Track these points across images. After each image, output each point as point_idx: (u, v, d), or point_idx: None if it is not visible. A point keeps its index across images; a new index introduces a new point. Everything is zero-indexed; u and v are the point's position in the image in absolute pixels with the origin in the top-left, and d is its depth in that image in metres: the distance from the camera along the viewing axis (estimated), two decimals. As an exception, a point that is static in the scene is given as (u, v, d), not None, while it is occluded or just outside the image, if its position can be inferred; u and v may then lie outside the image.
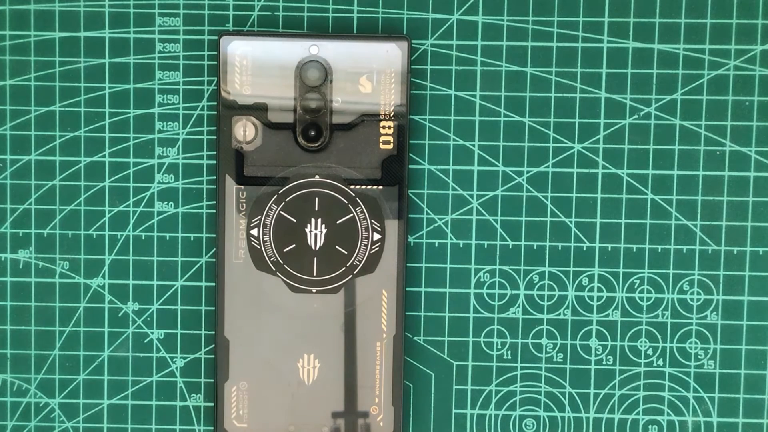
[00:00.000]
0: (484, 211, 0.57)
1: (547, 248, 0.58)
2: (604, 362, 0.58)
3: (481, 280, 0.58)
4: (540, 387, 0.58)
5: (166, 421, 0.58)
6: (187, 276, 0.58)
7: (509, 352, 0.58)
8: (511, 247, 0.58)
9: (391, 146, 0.55)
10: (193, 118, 0.57)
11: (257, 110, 0.55)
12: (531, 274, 0.58)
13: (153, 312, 0.58)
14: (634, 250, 0.57)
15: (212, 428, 0.58)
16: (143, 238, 0.58)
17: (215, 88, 0.56)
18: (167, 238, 0.58)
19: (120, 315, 0.58)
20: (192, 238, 0.58)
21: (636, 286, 0.58)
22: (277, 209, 0.56)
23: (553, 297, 0.58)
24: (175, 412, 0.59)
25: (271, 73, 0.55)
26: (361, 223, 0.56)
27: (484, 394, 0.58)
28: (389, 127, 0.55)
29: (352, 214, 0.56)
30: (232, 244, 0.56)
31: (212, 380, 0.58)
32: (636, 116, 0.57)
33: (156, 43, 0.57)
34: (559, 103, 0.57)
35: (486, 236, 0.58)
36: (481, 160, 0.57)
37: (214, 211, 0.57)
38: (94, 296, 0.58)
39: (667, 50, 0.57)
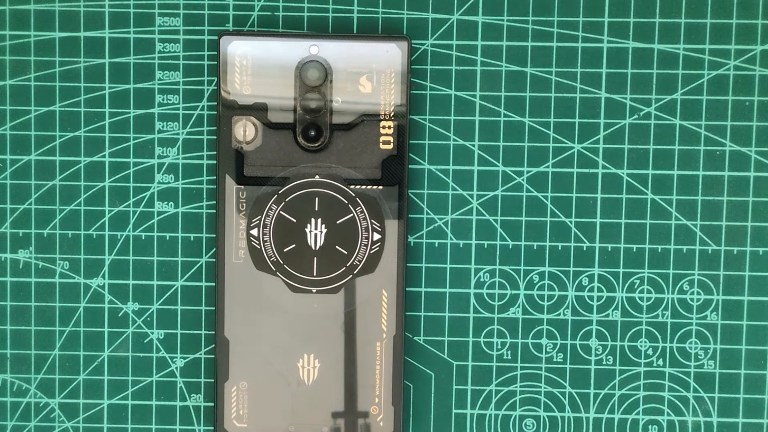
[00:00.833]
0: (484, 211, 0.57)
1: (547, 248, 0.58)
2: (604, 362, 0.58)
3: (481, 280, 0.58)
4: (540, 387, 0.58)
5: (166, 421, 0.59)
6: (187, 276, 0.58)
7: (509, 352, 0.58)
8: (511, 247, 0.58)
9: (391, 146, 0.55)
10: (193, 118, 0.57)
11: (257, 110, 0.55)
12: (531, 274, 0.58)
13: (153, 312, 0.58)
14: (634, 250, 0.58)
15: (212, 428, 0.58)
16: (143, 238, 0.58)
17: (215, 88, 0.57)
18: (167, 238, 0.58)
19: (120, 315, 0.58)
20: (192, 238, 0.58)
21: (636, 286, 0.58)
22: (277, 209, 0.56)
23: (553, 297, 0.58)
24: (175, 412, 0.59)
25: (271, 73, 0.55)
26: (361, 223, 0.56)
27: (484, 394, 0.58)
28: (389, 127, 0.55)
29: (352, 214, 0.56)
30: (232, 244, 0.56)
31: (212, 380, 0.58)
32: (636, 116, 0.57)
33: (156, 43, 0.57)
34: (559, 103, 0.57)
35: (486, 236, 0.58)
36: (481, 160, 0.57)
37: (214, 211, 0.57)
38: (94, 296, 0.58)
39: (667, 50, 0.57)
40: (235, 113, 0.55)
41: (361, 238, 0.56)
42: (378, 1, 0.57)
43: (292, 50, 0.55)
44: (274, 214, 0.56)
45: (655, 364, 0.58)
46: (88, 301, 0.58)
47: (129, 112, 0.57)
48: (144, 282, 0.58)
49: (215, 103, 0.57)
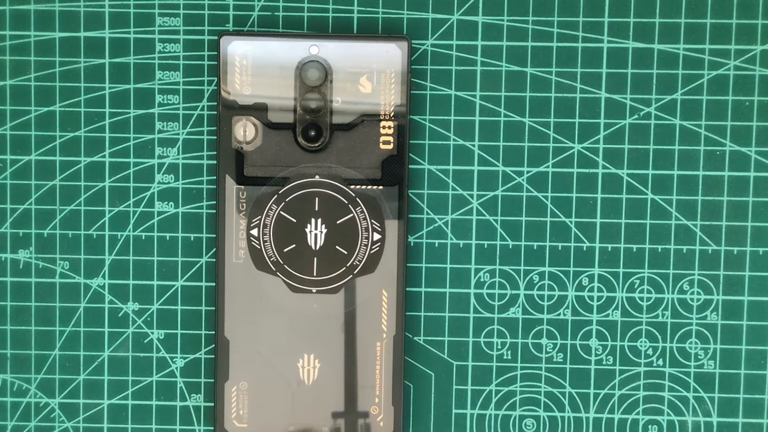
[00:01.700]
0: (484, 211, 0.57)
1: (547, 248, 0.58)
2: (604, 362, 0.58)
3: (481, 280, 0.58)
4: (540, 387, 0.58)
5: (166, 421, 0.59)
6: (187, 276, 0.58)
7: (509, 352, 0.58)
8: (511, 247, 0.58)
9: (391, 146, 0.55)
10: (193, 118, 0.57)
11: (257, 110, 0.55)
12: (531, 274, 0.58)
13: (153, 312, 0.58)
14: (634, 250, 0.58)
15: (212, 428, 0.58)
16: (143, 238, 0.58)
17: (215, 88, 0.57)
18: (167, 238, 0.58)
19: (120, 315, 0.58)
20: (192, 238, 0.58)
21: (636, 286, 0.58)
22: (277, 209, 0.56)
23: (553, 297, 0.58)
24: (175, 412, 0.59)
25: (271, 73, 0.55)
26: (361, 223, 0.56)
27: (484, 394, 0.58)
28: (389, 127, 0.55)
29: (352, 214, 0.56)
30: (232, 244, 0.56)
31: (212, 380, 0.58)
32: (636, 116, 0.57)
33: (156, 43, 0.57)
34: (559, 103, 0.57)
35: (486, 236, 0.58)
36: (481, 160, 0.57)
37: (214, 211, 0.57)
38: (94, 296, 0.58)
39: (667, 50, 0.57)
40: (235, 113, 0.55)
41: (361, 238, 0.56)
42: (378, 1, 0.57)
43: (292, 50, 0.55)
44: (274, 214, 0.56)
45: (655, 364, 0.58)
46: (88, 301, 0.58)
47: (129, 112, 0.57)
48: (144, 282, 0.58)
49: (215, 103, 0.57)
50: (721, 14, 0.57)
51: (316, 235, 0.56)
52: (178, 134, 0.57)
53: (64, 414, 0.58)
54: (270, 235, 0.56)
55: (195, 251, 0.58)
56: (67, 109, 0.57)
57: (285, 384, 0.57)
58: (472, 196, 0.57)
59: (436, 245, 0.58)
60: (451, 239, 0.58)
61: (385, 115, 0.55)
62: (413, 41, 0.57)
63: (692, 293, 0.58)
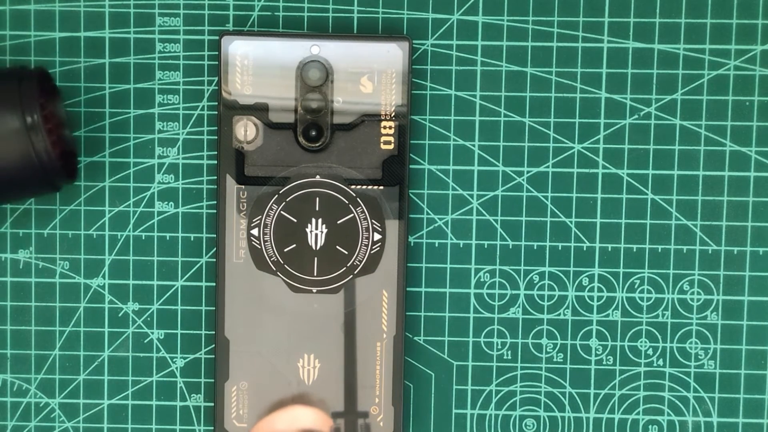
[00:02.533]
0: (484, 211, 0.57)
1: (547, 248, 0.58)
2: (604, 362, 0.58)
3: (481, 280, 0.58)
4: (540, 387, 0.58)
5: (166, 421, 0.59)
6: (187, 276, 0.58)
7: (509, 352, 0.58)
8: (511, 247, 0.58)
9: (391, 146, 0.55)
10: (193, 118, 0.57)
11: (258, 110, 0.55)
12: (531, 274, 0.58)
13: (153, 312, 0.58)
14: (634, 250, 0.58)
15: (212, 428, 0.58)
16: (143, 238, 0.58)
17: (216, 88, 0.57)
18: (167, 238, 0.58)
19: (120, 315, 0.58)
20: (192, 238, 0.58)
21: (636, 286, 0.58)
22: (277, 209, 0.56)
23: (553, 297, 0.58)
24: (175, 412, 0.59)
25: (272, 73, 0.55)
26: (361, 224, 0.56)
27: (484, 394, 0.58)
28: (390, 128, 0.55)
29: (352, 215, 0.56)
30: (232, 244, 0.56)
31: (212, 380, 0.58)
32: (636, 116, 0.57)
33: (156, 43, 0.57)
34: (559, 103, 0.57)
35: (486, 236, 0.58)
36: (481, 160, 0.57)
37: (215, 211, 0.57)
38: (94, 296, 0.58)
39: (667, 50, 0.57)
40: (236, 113, 0.55)
41: (362, 239, 0.56)
42: (378, 1, 0.57)
43: (293, 50, 0.55)
44: (274, 214, 0.56)
45: (655, 364, 0.58)
46: (88, 301, 0.58)
47: (129, 112, 0.57)
48: (144, 282, 0.58)
49: (215, 103, 0.57)
50: (721, 14, 0.57)
51: (316, 235, 0.56)
52: (178, 134, 0.57)
53: (64, 414, 0.58)
54: (270, 235, 0.56)
55: (195, 251, 0.58)
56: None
57: (285, 384, 0.57)
58: (472, 196, 0.57)
59: (436, 245, 0.58)
60: (451, 239, 0.58)
61: (385, 115, 0.55)
62: (413, 41, 0.57)
63: (692, 293, 0.58)
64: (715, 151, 0.57)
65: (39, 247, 0.58)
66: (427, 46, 0.57)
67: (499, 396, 0.58)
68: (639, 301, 0.58)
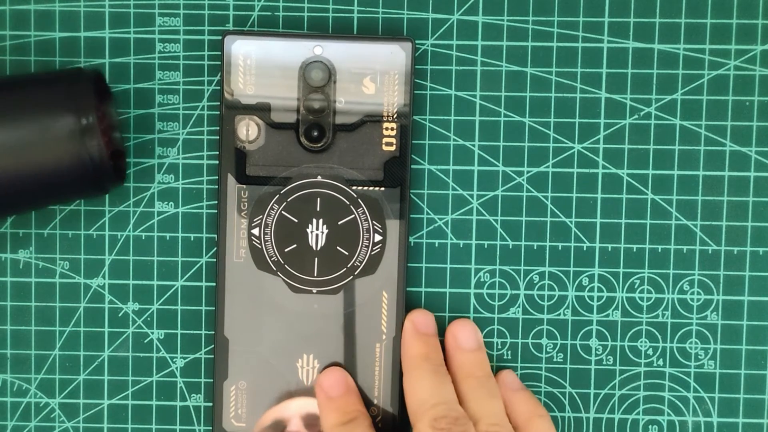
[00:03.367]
0: (484, 211, 0.57)
1: (547, 248, 0.58)
2: (604, 362, 0.58)
3: (481, 280, 0.58)
4: (540, 387, 0.58)
5: (166, 421, 0.58)
6: (187, 276, 0.58)
7: (509, 352, 0.58)
8: (511, 247, 0.58)
9: (393, 148, 0.55)
10: (193, 118, 0.57)
11: (260, 110, 0.55)
12: (531, 274, 0.58)
13: (153, 312, 0.58)
14: (634, 250, 0.58)
15: (210, 428, 0.58)
16: (143, 238, 0.58)
17: (216, 87, 0.57)
18: (167, 238, 0.58)
19: (120, 315, 0.58)
20: (192, 238, 0.58)
21: (636, 286, 0.58)
22: (278, 209, 0.56)
23: (553, 297, 0.58)
24: (175, 412, 0.59)
25: (274, 73, 0.55)
26: (362, 224, 0.56)
27: (484, 394, 0.58)
28: (392, 129, 0.55)
29: (353, 215, 0.56)
30: (233, 244, 0.56)
31: (212, 380, 0.58)
32: (636, 116, 0.57)
33: (156, 43, 0.57)
34: (559, 103, 0.57)
35: (486, 236, 0.58)
36: (481, 160, 0.57)
37: (215, 211, 0.57)
38: (94, 296, 0.58)
39: (667, 50, 0.57)
40: (238, 112, 0.55)
41: (362, 239, 0.56)
42: (378, 1, 0.57)
43: (296, 50, 0.55)
44: (275, 214, 0.56)
45: (655, 364, 0.58)
46: (88, 301, 0.58)
47: (129, 112, 0.57)
48: (144, 282, 0.58)
49: (216, 103, 0.57)
50: (721, 14, 0.57)
51: (317, 235, 0.56)
52: (178, 134, 0.57)
53: (64, 414, 0.58)
54: (271, 235, 0.56)
55: (195, 251, 0.58)
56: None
57: (284, 384, 0.57)
58: (472, 196, 0.57)
59: (436, 245, 0.58)
60: (451, 239, 0.58)
61: (387, 116, 0.55)
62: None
63: (692, 293, 0.58)
64: (715, 151, 0.57)
65: (39, 247, 0.58)
66: (427, 46, 0.57)
67: (499, 396, 0.58)
68: (639, 301, 0.58)
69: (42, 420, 0.58)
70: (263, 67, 0.55)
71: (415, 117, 0.57)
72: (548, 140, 0.57)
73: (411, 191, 0.57)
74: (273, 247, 0.56)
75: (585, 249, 0.58)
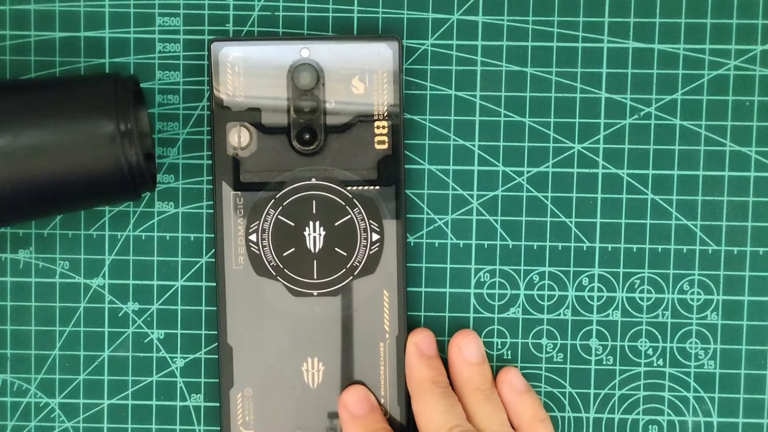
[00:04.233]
0: (484, 211, 0.57)
1: (547, 248, 0.58)
2: (604, 362, 0.58)
3: (481, 280, 0.58)
4: (540, 387, 0.58)
5: (166, 421, 0.59)
6: (187, 276, 0.58)
7: (509, 352, 0.58)
8: (511, 247, 0.58)
9: (386, 146, 0.55)
10: (193, 119, 0.57)
11: (251, 116, 0.55)
12: (531, 274, 0.58)
13: (153, 312, 0.58)
14: (634, 250, 0.58)
15: (217, 429, 0.58)
16: (143, 238, 0.58)
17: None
18: (167, 238, 0.58)
19: (120, 315, 0.58)
20: (192, 238, 0.58)
21: (636, 286, 0.58)
22: (275, 214, 0.56)
23: (553, 297, 0.58)
24: (175, 412, 0.59)
25: (263, 78, 0.55)
26: (359, 224, 0.56)
27: (484, 394, 0.58)
28: (383, 127, 0.55)
29: (350, 216, 0.56)
30: (231, 251, 0.56)
31: (213, 380, 0.58)
32: (636, 116, 0.57)
33: (156, 43, 0.57)
34: (559, 103, 0.57)
35: (486, 236, 0.58)
36: (481, 160, 0.57)
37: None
38: (94, 296, 0.58)
39: (667, 50, 0.57)
40: (228, 119, 0.55)
41: (360, 239, 0.56)
42: (378, 1, 0.57)
43: (283, 54, 0.55)
44: (272, 219, 0.56)
45: (655, 364, 0.58)
46: (88, 301, 0.58)
47: (129, 113, 0.57)
48: (144, 282, 0.58)
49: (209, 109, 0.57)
50: (721, 14, 0.57)
51: (314, 238, 0.56)
52: (178, 134, 0.57)
53: (64, 414, 0.59)
54: (269, 240, 0.56)
55: (195, 251, 0.58)
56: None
57: (290, 388, 0.57)
58: (472, 196, 0.57)
59: (436, 245, 0.58)
60: (451, 239, 0.58)
61: (378, 115, 0.55)
62: (413, 41, 0.57)
63: (692, 293, 0.58)
64: (715, 151, 0.57)
65: (39, 247, 0.58)
66: (427, 46, 0.57)
67: (499, 396, 0.58)
68: (639, 301, 0.58)
69: (42, 420, 0.59)
70: (251, 72, 0.55)
71: (415, 117, 0.57)
72: (548, 140, 0.57)
73: (411, 191, 0.57)
74: (271, 252, 0.56)
75: (585, 249, 0.58)
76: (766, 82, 0.57)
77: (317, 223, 0.56)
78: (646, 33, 0.57)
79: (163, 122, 0.57)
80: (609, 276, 0.58)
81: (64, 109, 0.50)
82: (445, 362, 0.57)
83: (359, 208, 0.56)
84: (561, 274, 0.58)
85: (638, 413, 0.58)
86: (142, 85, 0.57)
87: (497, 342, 0.58)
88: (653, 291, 0.58)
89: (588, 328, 0.58)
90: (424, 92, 0.57)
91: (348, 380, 0.57)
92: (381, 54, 0.55)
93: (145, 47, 0.57)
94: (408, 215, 0.57)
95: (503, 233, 0.58)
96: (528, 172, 0.57)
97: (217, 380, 0.57)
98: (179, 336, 0.58)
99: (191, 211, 0.58)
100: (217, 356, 0.57)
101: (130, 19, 0.57)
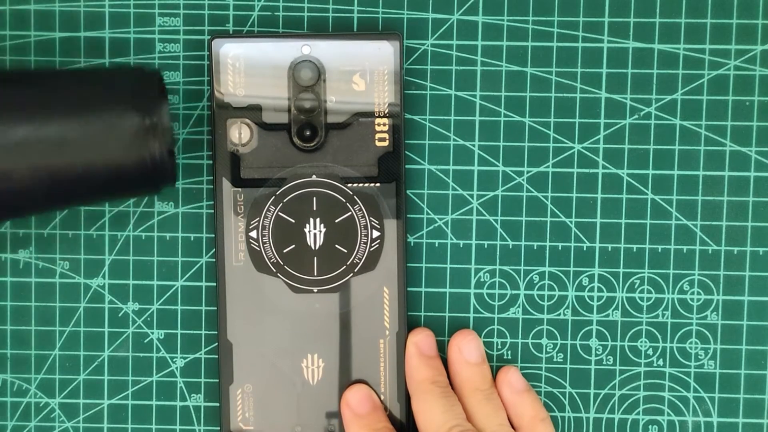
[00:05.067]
0: (484, 211, 0.57)
1: (547, 248, 0.58)
2: (604, 362, 0.58)
3: (481, 280, 0.58)
4: (540, 387, 0.58)
5: (166, 421, 0.59)
6: (187, 276, 0.58)
7: (509, 352, 0.58)
8: (511, 247, 0.58)
9: (386, 143, 0.55)
10: (193, 118, 0.57)
11: (251, 112, 0.55)
12: (531, 274, 0.58)
13: (153, 312, 0.58)
14: (634, 250, 0.58)
15: (217, 428, 0.58)
16: (143, 238, 0.58)
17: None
18: (167, 238, 0.58)
19: (120, 315, 0.58)
20: (192, 238, 0.58)
21: (636, 286, 0.58)
22: (275, 210, 0.56)
23: (553, 297, 0.58)
24: (175, 412, 0.59)
25: (264, 75, 0.55)
26: (359, 221, 0.56)
27: (484, 394, 0.58)
28: (384, 124, 0.55)
29: (350, 213, 0.56)
30: (231, 247, 0.56)
31: (213, 380, 0.58)
32: (636, 116, 0.57)
33: (156, 43, 0.57)
34: (559, 103, 0.57)
35: (486, 236, 0.58)
36: (481, 160, 0.57)
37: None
38: (94, 296, 0.58)
39: (667, 50, 0.57)
40: (229, 116, 0.55)
41: (361, 236, 0.56)
42: (378, 1, 0.57)
43: (284, 51, 0.55)
44: (272, 216, 0.56)
45: (655, 364, 0.58)
46: (88, 301, 0.58)
47: (129, 112, 0.57)
48: (144, 282, 0.58)
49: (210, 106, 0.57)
50: (721, 14, 0.57)
51: (315, 234, 0.56)
52: (178, 134, 0.57)
53: (64, 414, 0.58)
54: (269, 237, 0.56)
55: (195, 251, 0.58)
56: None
57: (290, 385, 0.57)
58: (472, 196, 0.57)
59: (436, 245, 0.58)
60: (451, 239, 0.58)
61: (379, 112, 0.55)
62: (413, 41, 0.57)
63: (692, 293, 0.58)
64: (715, 151, 0.57)
65: (39, 247, 0.58)
66: (427, 46, 0.57)
67: (499, 396, 0.58)
68: (639, 301, 0.58)
69: (42, 420, 0.58)
70: (252, 69, 0.55)
71: (415, 117, 0.57)
72: (548, 140, 0.57)
73: (411, 191, 0.57)
74: (272, 249, 0.56)
75: (585, 249, 0.58)
76: (766, 82, 0.57)
77: (317, 219, 0.56)
78: (646, 33, 0.57)
79: (163, 122, 0.57)
80: (609, 276, 0.58)
81: (88, 100, 0.50)
82: (445, 362, 0.57)
83: (360, 205, 0.56)
84: (561, 274, 0.58)
85: (638, 413, 0.58)
86: (142, 85, 0.57)
87: (497, 342, 0.58)
88: (653, 291, 0.58)
89: (588, 328, 0.58)
90: (424, 92, 0.57)
91: (348, 377, 0.57)
92: (382, 51, 0.55)
93: (145, 47, 0.57)
94: (408, 215, 0.57)
95: (503, 233, 0.58)
96: (528, 172, 0.57)
97: (217, 380, 0.57)
98: (179, 336, 0.58)
99: (191, 211, 0.58)
100: (217, 355, 0.57)
101: (130, 19, 0.57)
